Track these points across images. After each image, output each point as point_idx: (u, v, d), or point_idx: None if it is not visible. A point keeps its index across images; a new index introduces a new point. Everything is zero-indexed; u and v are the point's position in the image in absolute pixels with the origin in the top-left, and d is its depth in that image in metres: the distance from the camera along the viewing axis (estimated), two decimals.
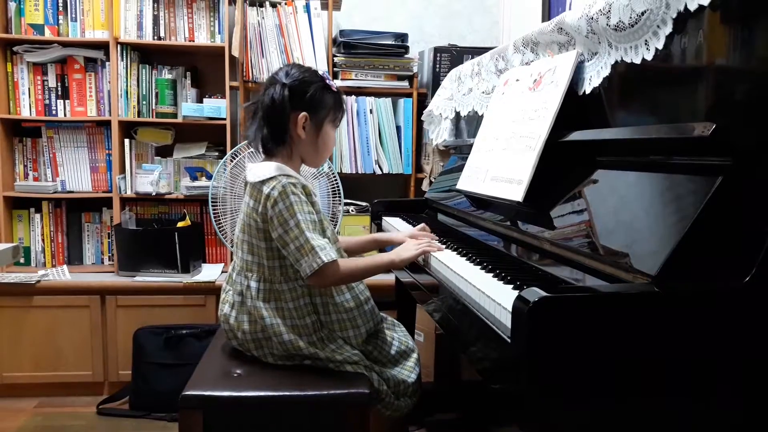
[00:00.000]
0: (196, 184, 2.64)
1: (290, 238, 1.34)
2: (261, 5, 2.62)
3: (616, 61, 1.14)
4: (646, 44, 1.05)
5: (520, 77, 1.51)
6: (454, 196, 1.78)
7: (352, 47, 2.66)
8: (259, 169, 1.41)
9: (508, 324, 0.85)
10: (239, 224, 1.47)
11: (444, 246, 1.45)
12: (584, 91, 1.25)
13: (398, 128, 2.75)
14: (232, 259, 1.53)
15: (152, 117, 2.64)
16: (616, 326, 0.79)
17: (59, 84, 2.62)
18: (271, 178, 1.37)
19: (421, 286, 1.46)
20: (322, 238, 1.37)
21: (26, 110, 2.61)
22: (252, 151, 2.26)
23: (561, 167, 1.24)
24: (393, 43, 2.72)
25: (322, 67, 2.62)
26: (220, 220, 2.51)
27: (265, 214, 1.37)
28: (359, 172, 2.72)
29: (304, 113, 1.43)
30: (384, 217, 2.07)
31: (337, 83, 2.64)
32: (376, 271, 1.46)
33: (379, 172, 2.73)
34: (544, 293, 0.77)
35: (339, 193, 2.55)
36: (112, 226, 2.66)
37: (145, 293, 2.46)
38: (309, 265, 1.33)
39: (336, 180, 2.54)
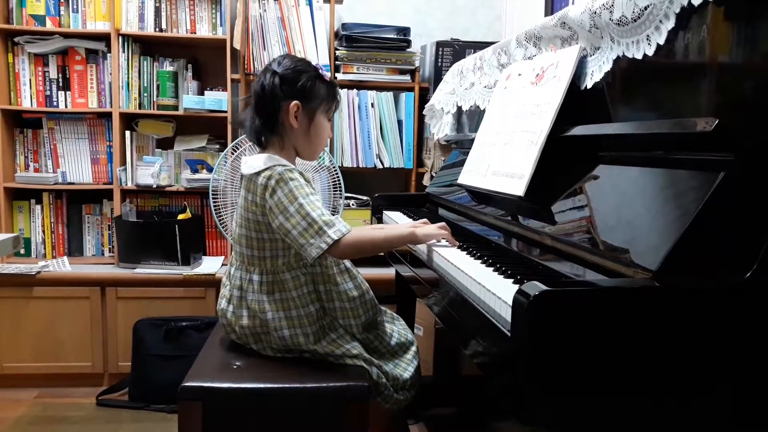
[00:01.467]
0: (197, 176, 2.64)
1: (292, 224, 1.32)
2: None
3: (618, 56, 1.14)
4: (648, 39, 1.04)
5: (522, 72, 1.50)
6: (455, 191, 1.78)
7: (354, 41, 2.65)
8: (254, 160, 1.40)
9: (509, 318, 0.85)
10: (237, 219, 1.46)
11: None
12: (586, 86, 1.25)
13: (399, 122, 2.74)
14: (232, 253, 1.53)
15: (153, 109, 2.64)
16: (616, 321, 0.79)
17: (60, 75, 2.62)
18: (265, 169, 1.37)
19: (421, 280, 1.46)
20: (329, 213, 1.35)
21: (27, 101, 2.61)
22: (252, 144, 2.26)
23: (562, 162, 1.24)
24: (395, 36, 2.72)
25: (323, 61, 2.61)
26: (220, 212, 2.51)
27: (263, 205, 1.36)
28: (360, 166, 2.72)
29: (295, 102, 1.42)
30: (385, 212, 2.07)
31: (339, 77, 2.65)
32: (395, 242, 1.47)
33: (380, 166, 2.73)
34: (544, 287, 0.77)
35: (340, 187, 2.54)
36: (112, 218, 2.66)
37: (145, 285, 2.47)
38: (317, 247, 1.31)
39: (337, 174, 2.54)
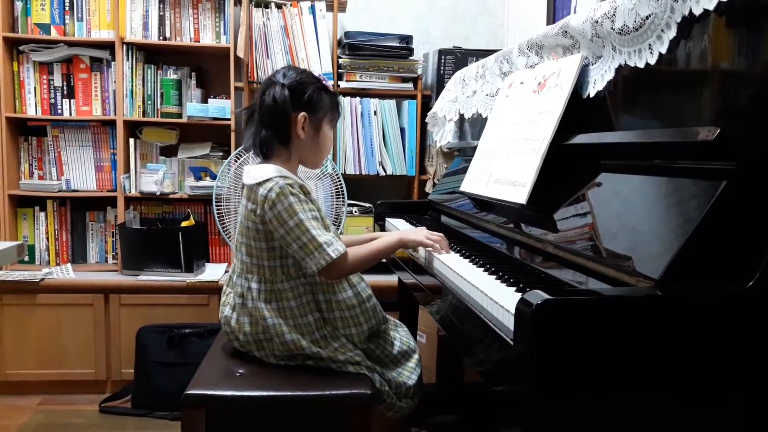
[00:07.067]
0: (201, 183, 2.65)
1: (292, 238, 1.35)
2: (266, 6, 2.62)
3: (620, 65, 1.15)
4: (650, 48, 1.05)
5: (524, 80, 1.51)
6: (457, 198, 1.78)
7: (356, 49, 2.66)
8: (256, 171, 1.41)
9: (511, 326, 0.85)
10: (238, 227, 1.48)
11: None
12: (588, 95, 1.25)
13: (402, 130, 2.75)
14: (234, 260, 1.54)
15: (157, 117, 2.65)
16: (619, 329, 0.79)
17: (65, 83, 2.63)
18: (267, 180, 1.38)
19: (423, 287, 1.46)
20: (327, 232, 1.38)
21: (32, 109, 2.62)
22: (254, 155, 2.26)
23: (565, 170, 1.24)
24: (398, 45, 2.73)
25: (326, 69, 2.63)
26: (224, 219, 2.52)
27: (263, 215, 1.37)
28: (363, 173, 2.73)
29: (303, 113, 1.45)
30: (387, 219, 2.08)
31: (342, 85, 2.66)
32: (384, 254, 1.48)
33: (382, 173, 2.74)
34: (547, 296, 0.77)
35: (342, 194, 2.55)
36: (116, 225, 2.67)
37: (148, 292, 2.47)
38: (317, 263, 1.35)
39: (339, 181, 2.55)
